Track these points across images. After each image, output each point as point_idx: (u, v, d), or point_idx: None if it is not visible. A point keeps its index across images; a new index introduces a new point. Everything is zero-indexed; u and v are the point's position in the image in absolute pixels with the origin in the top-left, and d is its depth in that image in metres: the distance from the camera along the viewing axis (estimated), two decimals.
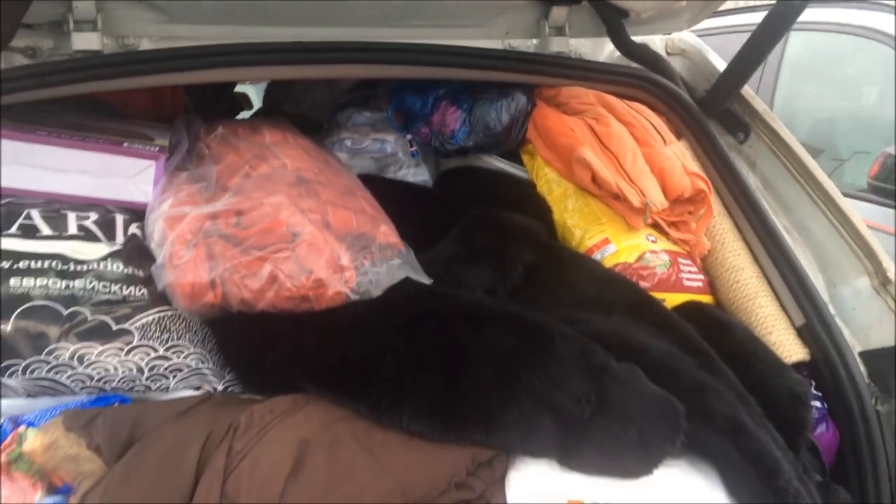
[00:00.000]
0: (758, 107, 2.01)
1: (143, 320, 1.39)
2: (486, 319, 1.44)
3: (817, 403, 1.71)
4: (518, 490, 1.39)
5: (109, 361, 1.34)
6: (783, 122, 1.99)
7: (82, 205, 1.53)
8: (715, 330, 1.65)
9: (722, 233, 1.88)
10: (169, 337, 1.40)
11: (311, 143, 1.90)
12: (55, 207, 1.50)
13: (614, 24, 2.13)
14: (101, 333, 1.35)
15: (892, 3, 3.68)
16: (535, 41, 2.17)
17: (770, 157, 1.98)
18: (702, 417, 1.40)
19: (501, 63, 1.98)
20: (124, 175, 1.56)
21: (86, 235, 1.47)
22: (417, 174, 2.12)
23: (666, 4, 2.08)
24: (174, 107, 2.10)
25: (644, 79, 2.06)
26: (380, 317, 1.45)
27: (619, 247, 1.78)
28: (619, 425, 1.35)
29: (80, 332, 1.33)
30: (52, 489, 1.27)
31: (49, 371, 1.30)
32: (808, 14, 2.18)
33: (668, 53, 2.23)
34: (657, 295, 1.74)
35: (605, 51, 2.27)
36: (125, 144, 1.59)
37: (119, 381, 1.35)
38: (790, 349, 1.71)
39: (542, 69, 2.04)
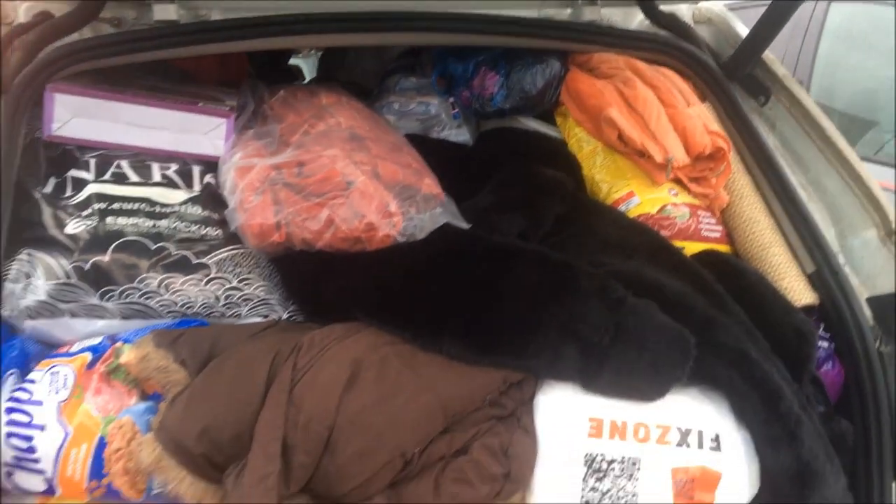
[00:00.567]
0: (778, 71, 2.11)
1: (219, 256, 1.58)
2: (517, 258, 1.60)
3: (824, 344, 1.83)
4: (544, 409, 1.56)
5: (191, 290, 1.53)
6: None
7: (164, 157, 1.72)
8: (729, 275, 1.78)
9: (740, 188, 2.00)
10: (241, 271, 1.59)
11: (363, 106, 2.07)
12: (141, 159, 1.69)
13: None
14: (183, 266, 1.54)
15: None
16: (568, 10, 2.26)
17: (788, 119, 2.08)
18: (710, 348, 1.54)
19: (537, 31, 2.10)
20: (200, 131, 1.74)
21: (168, 183, 1.66)
22: (459, 134, 2.27)
23: None
24: (238, 73, 2.27)
25: (671, 45, 2.17)
26: (423, 256, 1.61)
27: (643, 199, 1.92)
28: (634, 352, 1.49)
29: (165, 264, 1.52)
30: (144, 396, 1.48)
31: (140, 297, 1.50)
32: None
33: (694, 21, 2.32)
34: (677, 243, 1.88)
35: (635, 20, 2.37)
36: (200, 104, 1.77)
37: (199, 307, 1.55)
38: (800, 294, 1.83)
39: (574, 36, 2.16)
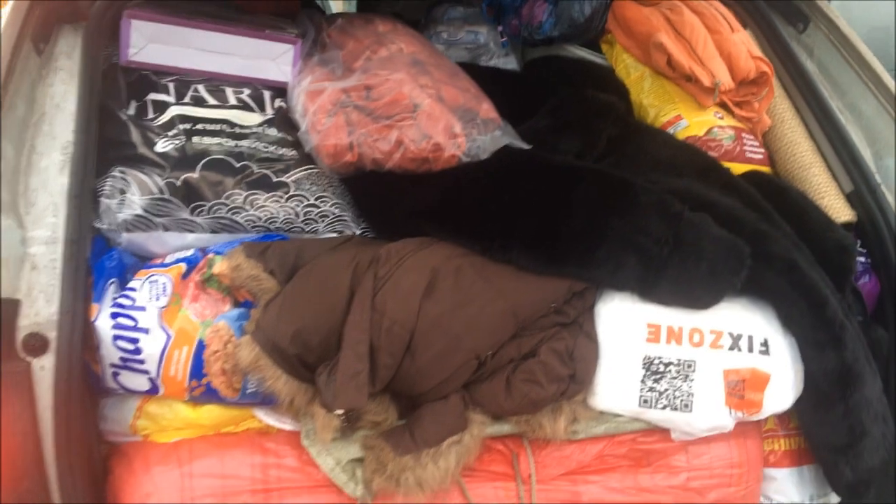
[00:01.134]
0: None
1: (296, 175, 1.64)
2: (579, 175, 1.67)
3: (861, 258, 1.92)
4: (605, 317, 1.65)
5: (273, 206, 1.60)
6: None
7: (235, 82, 1.77)
8: (773, 192, 1.85)
9: (781, 111, 2.06)
10: (316, 189, 1.66)
11: (417, 33, 2.11)
12: (215, 83, 1.75)
13: None
14: (265, 184, 1.61)
15: None
16: None
17: (826, 45, 2.13)
18: (761, 258, 1.62)
19: None
20: (268, 57, 1.79)
21: (244, 106, 1.72)
22: (507, 63, 2.31)
23: None
24: (291, 5, 2.30)
25: None
26: (489, 174, 1.68)
27: (691, 122, 1.98)
28: (692, 261, 1.57)
29: (249, 181, 1.59)
30: (236, 304, 1.56)
31: (227, 212, 1.57)
32: None
33: None
34: (723, 164, 1.95)
35: None
36: (267, 31, 1.82)
37: (281, 222, 1.62)
38: (839, 211, 1.91)
39: None
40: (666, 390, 1.60)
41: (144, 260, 1.58)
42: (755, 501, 1.79)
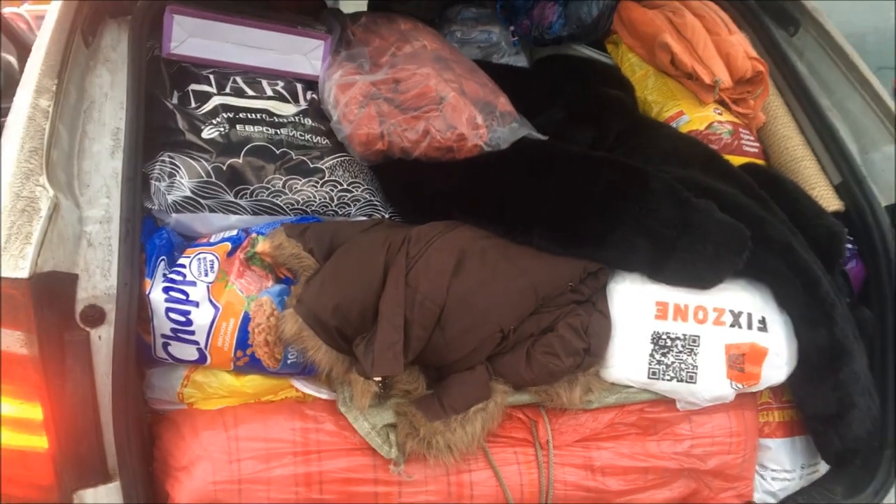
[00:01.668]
0: (807, 3, 2.28)
1: (330, 162, 1.74)
2: (595, 163, 1.77)
3: (849, 245, 2.04)
4: (617, 295, 1.75)
5: (310, 191, 1.69)
6: None
7: (270, 74, 1.86)
8: (769, 183, 1.96)
9: (775, 108, 2.18)
10: (348, 176, 1.75)
11: (436, 31, 2.21)
12: (251, 76, 1.83)
13: None
14: (302, 170, 1.69)
15: None
16: None
17: (816, 48, 2.25)
18: (760, 241, 1.72)
19: None
20: (300, 51, 1.88)
21: (279, 97, 1.81)
22: (517, 61, 2.41)
23: None
24: (315, 3, 2.39)
25: None
26: (510, 162, 1.77)
27: (692, 117, 2.10)
28: (699, 243, 1.67)
29: (287, 167, 1.68)
30: (277, 280, 1.65)
31: (269, 195, 1.66)
32: None
33: None
34: None
35: None
36: (299, 28, 1.91)
37: (317, 205, 1.71)
38: (829, 201, 2.03)
39: None
40: (673, 363, 1.71)
41: (190, 240, 1.66)
42: (751, 470, 1.91)
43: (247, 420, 1.57)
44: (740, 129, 2.11)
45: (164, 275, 1.54)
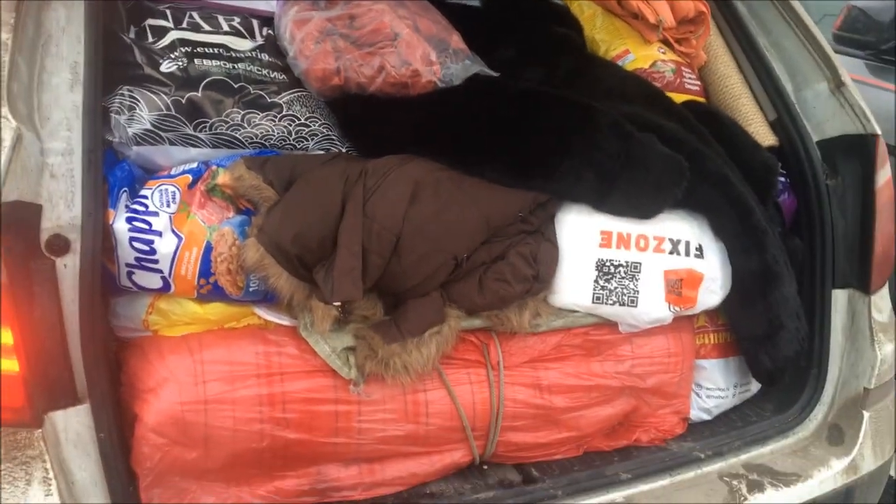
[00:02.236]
0: None
1: (287, 97, 1.76)
2: (544, 99, 1.83)
3: (782, 178, 2.15)
4: (564, 225, 1.84)
5: (268, 125, 1.72)
6: None
7: (226, 10, 1.86)
8: (708, 119, 2.05)
9: (716, 48, 2.26)
10: (305, 111, 1.77)
11: None
12: (207, 11, 1.83)
13: None
14: (260, 104, 1.72)
15: None
16: None
17: None
18: (698, 173, 1.81)
19: None
20: None
21: (236, 33, 1.81)
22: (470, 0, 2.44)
23: None
24: None
25: None
26: (463, 97, 1.81)
27: (637, 55, 2.17)
28: (640, 174, 1.76)
29: (245, 101, 1.70)
30: (238, 211, 1.69)
31: (227, 129, 1.68)
32: None
33: None
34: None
35: None
36: None
37: (275, 139, 1.73)
38: (764, 136, 2.13)
39: None
40: (615, 288, 1.80)
41: (151, 172, 1.69)
42: (688, 388, 2.04)
43: (211, 345, 1.62)
44: (683, 68, 2.18)
45: (127, 206, 1.56)
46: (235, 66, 1.73)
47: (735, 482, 1.89)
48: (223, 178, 1.64)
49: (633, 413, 1.95)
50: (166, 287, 1.59)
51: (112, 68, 1.66)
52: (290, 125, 1.75)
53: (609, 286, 1.80)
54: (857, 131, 2.05)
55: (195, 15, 1.80)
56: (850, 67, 3.74)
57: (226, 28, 1.81)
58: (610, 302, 1.81)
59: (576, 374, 1.85)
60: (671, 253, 1.83)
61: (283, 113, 1.74)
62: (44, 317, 1.43)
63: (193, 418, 1.56)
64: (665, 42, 2.21)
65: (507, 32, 2.14)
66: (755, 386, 2.15)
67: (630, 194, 1.78)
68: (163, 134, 1.63)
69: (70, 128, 1.52)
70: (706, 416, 2.09)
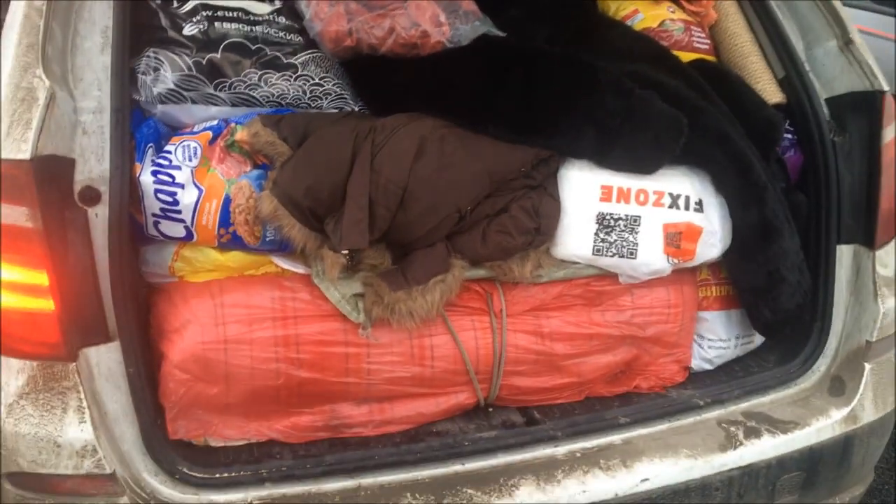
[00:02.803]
0: None
1: (302, 58, 1.85)
2: (548, 58, 1.88)
3: (789, 135, 2.17)
4: (566, 180, 1.90)
5: (283, 84, 1.81)
6: None
7: None
8: (715, 76, 2.08)
9: (726, 7, 2.27)
10: (319, 71, 1.86)
11: None
12: None
13: None
14: (276, 65, 1.81)
15: None
16: None
17: None
18: (698, 130, 1.85)
19: None
20: None
21: None
22: None
23: None
24: None
25: None
26: (470, 56, 1.87)
27: (646, 15, 2.20)
28: (640, 130, 1.81)
29: (262, 62, 1.79)
30: (255, 166, 1.80)
31: (245, 88, 1.78)
32: None
33: None
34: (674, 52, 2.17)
35: None
36: None
37: (291, 98, 1.83)
38: (772, 94, 2.14)
39: None
40: (615, 241, 1.87)
41: (175, 129, 1.80)
42: (689, 338, 2.10)
43: (231, 290, 1.74)
44: (692, 27, 2.21)
45: (153, 160, 1.68)
46: (253, 28, 1.82)
47: (733, 428, 1.95)
48: (241, 134, 1.74)
49: (634, 361, 2.02)
50: (189, 236, 1.70)
51: (139, 32, 1.77)
52: (305, 85, 1.84)
53: (609, 238, 1.86)
54: (865, 88, 2.06)
55: None
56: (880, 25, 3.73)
57: None
58: (609, 254, 1.87)
59: (576, 322, 1.92)
60: (671, 207, 1.88)
61: (299, 73, 1.83)
62: (77, 261, 1.56)
63: (214, 356, 1.68)
64: (675, 1, 2.24)
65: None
66: (758, 339, 2.19)
67: (630, 150, 1.83)
68: (185, 93, 1.74)
69: (101, 88, 1.63)
70: (708, 366, 2.14)
